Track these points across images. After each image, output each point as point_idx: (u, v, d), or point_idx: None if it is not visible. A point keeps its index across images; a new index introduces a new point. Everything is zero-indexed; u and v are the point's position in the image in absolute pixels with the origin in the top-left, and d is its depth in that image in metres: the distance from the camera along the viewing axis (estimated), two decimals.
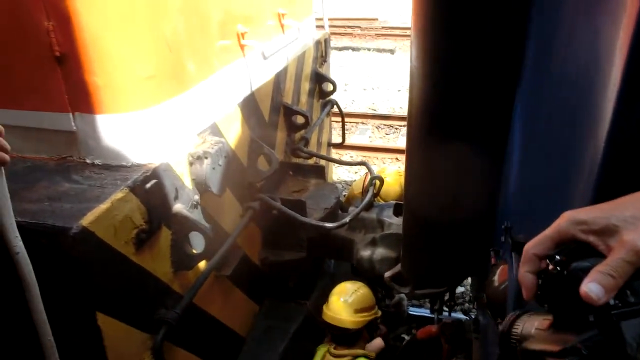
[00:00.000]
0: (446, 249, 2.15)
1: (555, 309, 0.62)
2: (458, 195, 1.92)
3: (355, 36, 13.51)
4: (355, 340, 2.68)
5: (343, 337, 2.66)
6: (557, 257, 0.61)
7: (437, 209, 1.99)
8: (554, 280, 0.61)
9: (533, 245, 0.64)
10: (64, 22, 1.61)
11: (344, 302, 2.65)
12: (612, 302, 0.53)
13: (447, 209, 1.96)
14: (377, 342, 2.72)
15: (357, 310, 2.64)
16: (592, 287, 0.53)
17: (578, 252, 0.60)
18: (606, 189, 0.88)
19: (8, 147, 1.17)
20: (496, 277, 1.45)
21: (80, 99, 1.73)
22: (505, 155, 1.70)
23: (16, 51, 1.72)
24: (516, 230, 1.36)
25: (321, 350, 2.72)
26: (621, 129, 0.82)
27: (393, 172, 3.81)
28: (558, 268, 0.60)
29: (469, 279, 3.31)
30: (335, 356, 2.65)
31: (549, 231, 0.63)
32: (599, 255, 0.57)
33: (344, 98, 8.67)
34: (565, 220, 0.61)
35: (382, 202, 3.49)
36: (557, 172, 1.15)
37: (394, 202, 3.11)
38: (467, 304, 4.10)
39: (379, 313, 2.78)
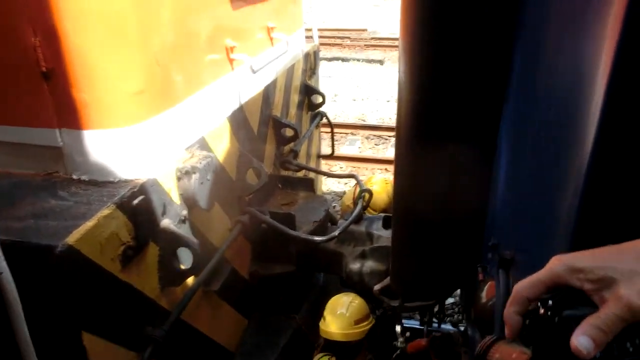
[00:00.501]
0: (435, 261, 2.16)
1: (539, 350, 0.62)
2: (446, 205, 1.93)
3: (344, 47, 13.61)
4: (358, 352, 2.68)
5: (345, 350, 2.65)
6: (550, 302, 0.60)
7: (426, 220, 2.00)
8: (543, 324, 0.61)
9: (525, 287, 0.64)
10: (51, 38, 1.60)
11: (342, 316, 2.66)
12: (598, 354, 0.53)
13: (435, 220, 1.97)
14: None
15: (357, 322, 2.65)
16: (582, 340, 0.53)
17: (570, 298, 0.59)
18: (591, 207, 0.89)
19: None
20: (484, 294, 1.46)
21: (67, 114, 1.72)
22: (493, 170, 1.72)
23: (2, 67, 1.71)
24: (503, 244, 1.38)
25: None
26: (605, 144, 0.83)
27: (380, 181, 3.82)
28: (549, 313, 0.60)
29: (459, 290, 3.33)
30: None
31: (542, 275, 0.62)
32: (591, 304, 0.57)
33: (334, 109, 8.71)
34: (561, 266, 0.61)
35: (371, 212, 3.50)
36: (543, 188, 1.17)
37: (382, 214, 3.12)
38: (457, 315, 4.10)
39: (374, 321, 2.79)
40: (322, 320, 2.73)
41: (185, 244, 1.99)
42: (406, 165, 2.00)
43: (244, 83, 2.62)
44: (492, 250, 1.30)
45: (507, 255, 1.28)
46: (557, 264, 0.61)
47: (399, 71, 1.80)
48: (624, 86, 0.77)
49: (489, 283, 1.46)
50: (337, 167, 6.63)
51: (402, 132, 1.91)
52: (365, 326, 2.69)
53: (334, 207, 5.86)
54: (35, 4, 1.58)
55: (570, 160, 0.94)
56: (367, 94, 9.71)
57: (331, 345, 2.67)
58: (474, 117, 1.69)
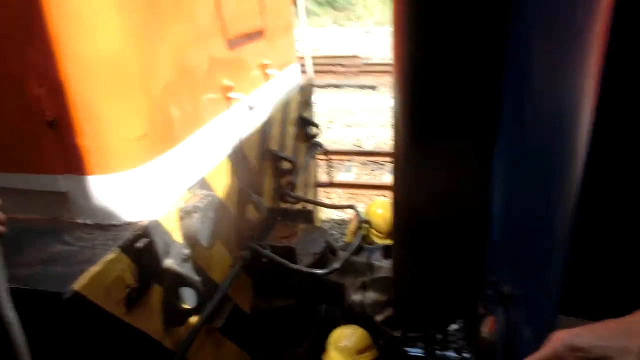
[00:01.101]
0: (436, 291, 2.18)
1: None
2: (447, 234, 1.96)
3: (337, 74, 13.81)
4: None
5: None
6: None
7: (426, 250, 2.03)
8: None
9: None
10: (55, 89, 1.65)
11: (345, 347, 2.67)
12: None
13: (435, 249, 2.00)
14: None
15: (359, 352, 2.67)
16: None
17: None
18: (584, 229, 0.93)
19: (5, 218, 1.19)
20: (485, 329, 1.48)
21: (71, 160, 1.76)
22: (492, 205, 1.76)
23: (8, 116, 1.76)
24: (502, 280, 1.41)
25: None
26: (594, 170, 0.87)
27: (384, 203, 3.80)
28: None
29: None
30: None
31: (544, 353, 0.67)
32: None
33: (329, 135, 8.80)
34: (562, 345, 0.66)
35: (376, 234, 3.52)
36: (537, 215, 1.20)
37: (382, 244, 3.14)
38: (460, 341, 4.09)
39: (377, 352, 2.78)
40: (325, 354, 2.73)
41: (188, 283, 2.01)
42: (404, 191, 2.03)
43: (242, 120, 2.68)
44: (491, 287, 1.33)
45: (506, 291, 1.31)
46: (558, 343, 0.66)
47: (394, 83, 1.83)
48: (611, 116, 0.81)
49: (489, 318, 1.49)
50: (335, 194, 6.67)
51: (400, 157, 1.94)
52: (369, 356, 2.70)
53: (332, 234, 5.87)
54: (41, 57, 1.63)
55: (564, 182, 0.98)
56: (361, 120, 9.83)
57: None
58: (468, 148, 1.74)
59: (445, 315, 2.38)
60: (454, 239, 1.90)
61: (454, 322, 3.04)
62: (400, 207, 2.03)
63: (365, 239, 3.48)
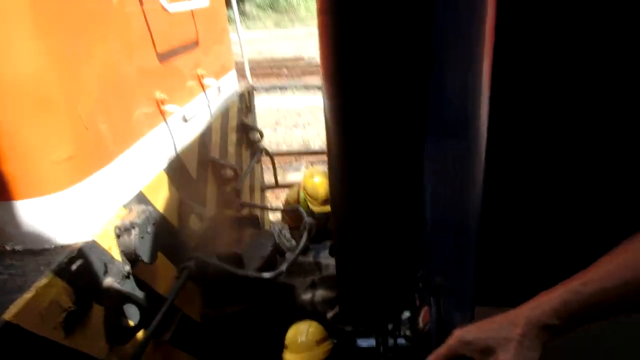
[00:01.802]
0: (378, 284, 2.26)
1: None
2: (383, 228, 2.04)
3: (282, 76, 13.83)
4: None
5: None
6: None
7: (364, 243, 2.10)
8: None
9: None
10: None
11: (302, 343, 2.74)
12: None
13: (373, 243, 2.08)
14: None
15: (318, 342, 2.74)
16: None
17: None
18: (489, 223, 1.01)
19: None
20: (420, 319, 1.57)
21: None
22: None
23: None
24: (433, 271, 1.49)
25: None
26: (493, 166, 0.96)
27: (320, 172, 3.90)
28: None
29: None
30: None
31: (442, 349, 0.75)
32: None
33: (276, 138, 8.82)
34: (456, 340, 0.74)
35: (312, 202, 3.63)
36: (454, 210, 1.29)
37: (328, 242, 3.22)
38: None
39: (333, 341, 2.89)
40: (284, 351, 2.77)
41: (130, 300, 1.99)
42: (339, 190, 2.10)
43: (178, 132, 2.67)
44: (423, 279, 1.41)
45: (436, 282, 1.40)
46: (452, 339, 0.75)
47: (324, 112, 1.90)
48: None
49: (424, 309, 1.57)
50: (285, 194, 6.71)
51: (334, 159, 1.99)
52: (327, 345, 2.79)
53: (284, 234, 5.90)
54: None
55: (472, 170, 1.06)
56: (307, 119, 9.90)
57: None
58: (399, 148, 1.83)
59: (390, 308, 2.47)
60: (389, 236, 1.99)
61: (401, 313, 3.15)
62: (336, 206, 2.09)
63: (303, 207, 3.66)
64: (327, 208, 3.53)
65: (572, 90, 0.84)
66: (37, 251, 1.78)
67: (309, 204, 3.69)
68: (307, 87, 12.37)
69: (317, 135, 8.93)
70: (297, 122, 9.74)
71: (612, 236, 0.77)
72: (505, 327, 0.70)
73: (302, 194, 3.80)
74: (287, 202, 4.13)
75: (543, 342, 0.70)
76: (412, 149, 1.81)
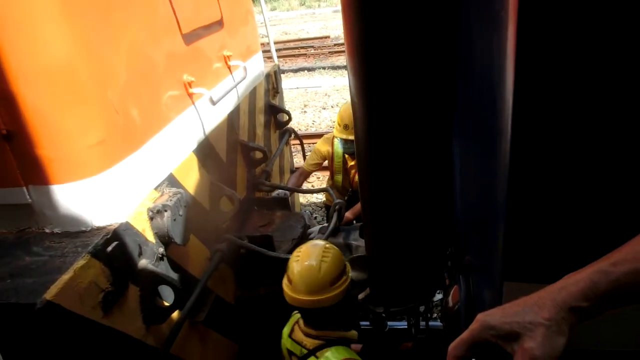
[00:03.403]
0: (410, 265, 2.24)
1: None
2: (415, 209, 2.00)
3: (309, 56, 13.74)
4: (331, 319, 2.06)
5: (316, 316, 2.05)
6: (473, 359, 0.70)
7: (396, 225, 2.07)
8: None
9: (453, 348, 0.73)
10: (8, 103, 1.64)
11: (313, 275, 1.97)
12: None
13: (405, 224, 2.05)
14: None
15: (333, 282, 1.98)
16: None
17: (491, 353, 0.69)
18: (516, 200, 0.98)
19: None
20: (450, 298, 1.54)
21: (33, 172, 1.76)
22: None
23: None
24: (462, 250, 1.46)
25: (295, 317, 2.25)
26: (519, 139, 0.92)
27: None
28: None
29: None
30: (306, 334, 2.10)
31: (465, 335, 0.72)
32: (508, 356, 0.66)
33: (304, 120, 8.79)
34: (479, 325, 0.70)
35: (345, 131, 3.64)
36: (479, 191, 1.25)
37: (359, 224, 3.19)
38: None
39: (349, 277, 2.11)
40: (285, 280, 2.09)
41: (165, 281, 2.03)
42: (368, 174, 2.07)
43: (206, 114, 2.68)
44: (451, 259, 1.38)
45: (466, 261, 1.37)
46: (475, 324, 0.71)
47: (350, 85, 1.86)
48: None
49: (454, 288, 1.55)
50: (314, 177, 6.71)
51: (361, 140, 1.96)
52: (341, 285, 2.01)
53: (315, 217, 5.93)
54: None
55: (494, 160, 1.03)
56: (336, 100, 9.83)
57: (300, 311, 2.13)
58: (427, 126, 1.78)
59: (422, 289, 2.44)
60: (419, 216, 1.95)
61: (435, 294, 3.13)
62: (364, 186, 2.07)
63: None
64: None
65: (595, 83, 0.80)
66: (74, 233, 1.83)
67: (346, 134, 3.66)
68: (334, 68, 12.25)
69: None
70: (326, 104, 9.68)
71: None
72: (531, 311, 0.66)
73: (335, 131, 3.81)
74: (317, 150, 4.13)
75: (570, 325, 0.66)
76: (440, 126, 1.76)
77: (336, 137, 3.84)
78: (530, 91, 0.84)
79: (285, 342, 2.24)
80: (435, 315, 3.85)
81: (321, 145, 4.10)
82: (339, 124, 3.70)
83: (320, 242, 2.17)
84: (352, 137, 3.54)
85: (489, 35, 1.00)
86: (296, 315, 2.22)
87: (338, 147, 3.91)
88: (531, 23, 0.78)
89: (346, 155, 3.93)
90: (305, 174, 4.25)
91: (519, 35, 0.80)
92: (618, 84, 0.80)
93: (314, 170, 4.26)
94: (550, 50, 0.79)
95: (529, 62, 0.81)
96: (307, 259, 2.04)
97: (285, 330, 2.27)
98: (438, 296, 4.34)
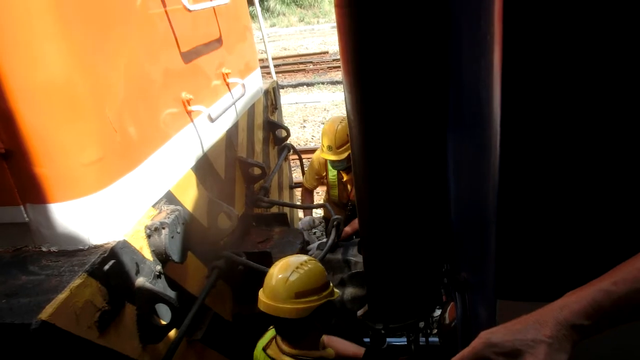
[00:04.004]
0: (407, 282, 2.23)
1: None
2: (411, 226, 2.00)
3: (308, 72, 13.84)
4: (302, 335, 2.03)
5: (285, 329, 2.03)
6: None
7: (392, 242, 2.07)
8: None
9: None
10: (6, 121, 1.65)
11: (281, 282, 1.96)
12: None
13: (401, 242, 2.04)
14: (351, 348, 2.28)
15: (298, 295, 1.93)
16: None
17: None
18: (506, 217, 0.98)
19: None
20: (446, 315, 1.53)
21: (30, 190, 1.76)
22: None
23: None
24: (458, 267, 1.45)
25: (272, 331, 2.19)
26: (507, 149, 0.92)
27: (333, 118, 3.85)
28: None
29: None
30: (282, 352, 2.06)
31: (467, 351, 0.72)
32: None
33: (304, 134, 8.82)
34: (481, 342, 0.71)
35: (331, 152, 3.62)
36: (475, 203, 1.25)
37: (357, 240, 3.18)
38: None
39: (335, 294, 2.10)
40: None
41: (162, 299, 2.02)
42: (365, 190, 2.07)
43: (205, 131, 2.69)
44: (447, 275, 1.37)
45: (461, 278, 1.36)
46: (477, 341, 0.71)
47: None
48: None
49: (451, 304, 1.54)
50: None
51: (358, 156, 1.96)
52: (312, 302, 1.94)
53: (314, 233, 5.91)
54: None
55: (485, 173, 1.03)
56: (335, 115, 9.87)
57: (269, 320, 2.07)
58: (423, 144, 1.79)
59: (421, 305, 2.42)
60: (416, 232, 1.95)
61: (433, 310, 3.11)
62: (361, 202, 2.06)
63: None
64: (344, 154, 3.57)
65: (582, 83, 0.81)
66: (71, 252, 1.82)
67: (329, 155, 3.67)
68: (333, 83, 12.33)
69: None
70: (325, 118, 9.72)
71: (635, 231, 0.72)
72: (533, 328, 0.67)
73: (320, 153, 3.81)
74: (312, 166, 4.12)
75: (572, 343, 0.66)
76: (434, 144, 1.77)
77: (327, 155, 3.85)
78: (520, 107, 0.85)
79: (259, 355, 2.16)
80: (435, 331, 3.81)
81: (315, 161, 4.10)
82: (323, 145, 3.70)
83: (304, 257, 2.12)
84: (337, 157, 3.59)
85: (477, 58, 1.02)
86: (273, 330, 2.17)
87: (330, 164, 3.91)
88: (517, 17, 0.79)
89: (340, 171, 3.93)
90: (309, 192, 4.29)
91: (505, 51, 0.81)
92: (612, 81, 0.80)
93: (317, 186, 4.27)
94: (537, 45, 0.80)
95: (514, 62, 0.82)
96: (283, 267, 2.04)
97: (261, 343, 2.21)
98: (437, 312, 4.32)
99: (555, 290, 0.76)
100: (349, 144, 2.65)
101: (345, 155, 3.53)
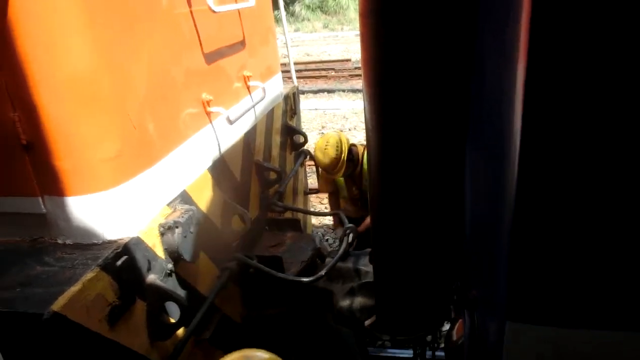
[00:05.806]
0: (417, 295, 2.21)
1: None
2: (424, 241, 1.98)
3: (329, 78, 13.87)
4: None
5: None
6: None
7: (404, 256, 2.06)
8: None
9: None
10: (30, 113, 1.69)
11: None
12: None
13: (413, 255, 2.03)
14: None
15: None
16: None
17: None
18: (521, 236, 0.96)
19: None
20: (454, 332, 1.51)
21: (49, 182, 1.80)
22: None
23: None
24: (468, 284, 1.43)
25: None
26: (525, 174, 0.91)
27: (326, 136, 4.00)
28: None
29: None
30: None
31: None
32: None
33: None
34: None
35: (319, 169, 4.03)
36: (489, 220, 1.23)
37: (368, 249, 3.17)
38: None
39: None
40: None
41: (172, 297, 2.03)
42: (378, 192, 2.05)
43: (223, 133, 2.71)
44: (457, 293, 1.36)
45: (471, 295, 1.34)
46: None
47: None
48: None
49: (459, 321, 1.52)
50: (327, 199, 6.70)
51: (374, 167, 1.96)
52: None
53: (327, 240, 5.91)
54: (13, 81, 1.67)
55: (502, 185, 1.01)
56: (354, 123, 9.87)
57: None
58: (440, 158, 1.78)
59: (429, 318, 2.40)
60: (428, 245, 1.93)
61: (441, 325, 3.07)
62: (375, 213, 2.06)
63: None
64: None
65: (612, 105, 0.79)
66: (85, 245, 1.85)
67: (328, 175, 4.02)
68: (354, 91, 12.34)
69: (363, 140, 8.88)
70: (344, 126, 9.72)
71: None
72: None
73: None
74: (320, 174, 4.35)
75: None
76: (452, 158, 1.75)
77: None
78: (543, 125, 0.84)
79: None
80: (442, 345, 3.77)
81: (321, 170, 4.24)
82: (321, 169, 4.04)
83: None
84: (335, 176, 3.98)
85: (501, 73, 1.01)
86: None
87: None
88: (542, 32, 0.79)
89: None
90: (330, 194, 4.57)
91: (529, 67, 0.80)
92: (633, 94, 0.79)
93: (331, 189, 4.47)
94: (562, 61, 0.79)
95: (538, 78, 0.81)
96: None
97: None
98: (446, 326, 4.27)
99: (568, 315, 0.74)
100: (340, 162, 3.75)
101: (341, 172, 3.92)
